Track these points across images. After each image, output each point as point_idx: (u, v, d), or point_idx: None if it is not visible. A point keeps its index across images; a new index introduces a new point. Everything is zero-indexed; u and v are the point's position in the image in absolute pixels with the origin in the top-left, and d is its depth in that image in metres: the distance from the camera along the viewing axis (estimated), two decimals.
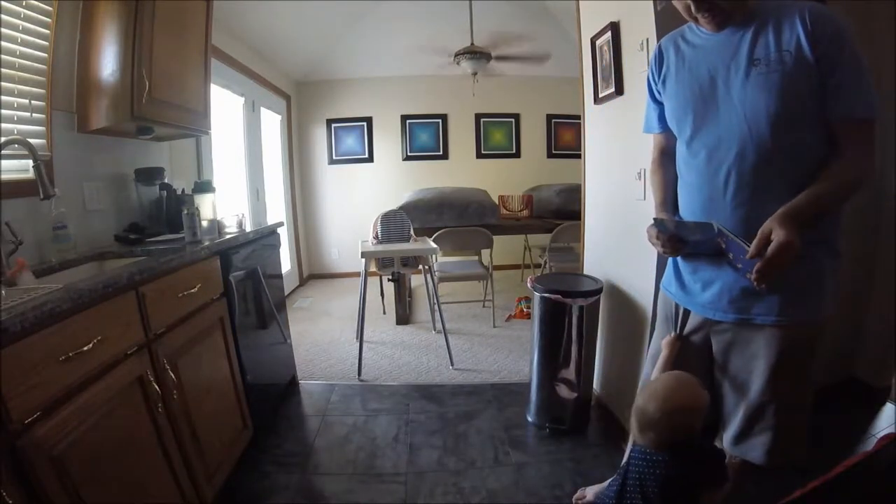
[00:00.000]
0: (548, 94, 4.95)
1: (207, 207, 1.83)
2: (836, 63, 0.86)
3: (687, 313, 1.11)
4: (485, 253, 3.58)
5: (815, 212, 0.88)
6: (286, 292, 3.10)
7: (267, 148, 4.04)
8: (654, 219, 1.07)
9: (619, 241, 1.93)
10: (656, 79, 1.14)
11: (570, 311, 1.83)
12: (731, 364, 1.04)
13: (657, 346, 1.18)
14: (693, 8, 0.94)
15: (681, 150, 1.09)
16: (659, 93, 1.14)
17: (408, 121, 5.02)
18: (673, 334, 1.13)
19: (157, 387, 1.16)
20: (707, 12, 0.94)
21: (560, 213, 3.84)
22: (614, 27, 1.81)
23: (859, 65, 0.86)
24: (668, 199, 1.15)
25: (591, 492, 1.43)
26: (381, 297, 3.71)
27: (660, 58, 1.12)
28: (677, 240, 1.04)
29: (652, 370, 1.16)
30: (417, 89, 4.96)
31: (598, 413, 2.05)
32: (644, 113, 1.25)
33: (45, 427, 0.83)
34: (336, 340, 3.14)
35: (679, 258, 1.11)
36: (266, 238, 2.12)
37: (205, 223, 1.75)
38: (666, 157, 1.19)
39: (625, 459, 1.08)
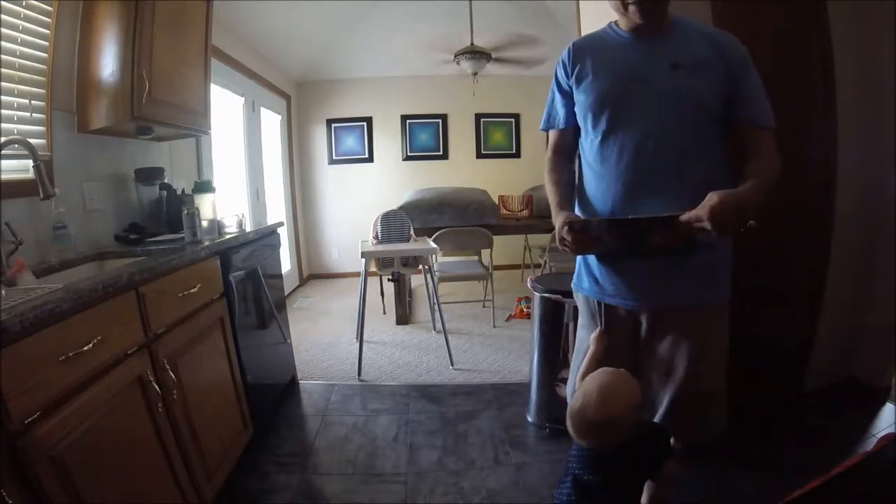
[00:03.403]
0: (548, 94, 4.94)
1: (207, 207, 1.83)
2: (744, 78, 1.01)
3: (609, 307, 1.12)
4: (485, 253, 3.58)
5: (758, 200, 0.91)
6: (286, 292, 3.10)
7: (267, 148, 4.04)
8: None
9: None
10: (568, 74, 1.14)
11: (569, 311, 1.83)
12: (657, 349, 1.08)
13: (584, 344, 1.14)
14: None
15: (592, 144, 1.09)
16: (570, 87, 1.14)
17: (408, 121, 5.01)
18: (599, 329, 1.11)
19: (157, 387, 1.16)
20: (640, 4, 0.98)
21: None
22: None
23: (761, 81, 1.02)
24: (568, 199, 1.15)
25: None
26: (381, 297, 3.71)
27: (573, 56, 1.13)
28: (593, 238, 1.03)
29: (580, 366, 1.10)
30: (417, 89, 4.96)
31: None
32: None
33: (45, 427, 0.83)
34: (336, 340, 3.13)
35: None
36: (266, 238, 2.12)
37: (205, 223, 1.75)
38: (561, 157, 1.21)
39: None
